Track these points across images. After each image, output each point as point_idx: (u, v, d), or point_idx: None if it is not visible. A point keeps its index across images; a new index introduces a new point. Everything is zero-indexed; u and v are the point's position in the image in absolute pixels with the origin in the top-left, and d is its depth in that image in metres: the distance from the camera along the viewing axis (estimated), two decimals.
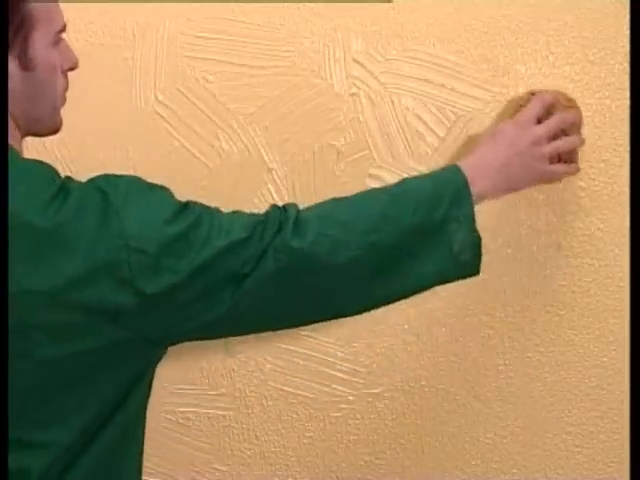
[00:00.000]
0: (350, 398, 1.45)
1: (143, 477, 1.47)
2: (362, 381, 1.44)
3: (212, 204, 1.41)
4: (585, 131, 1.35)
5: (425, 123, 1.38)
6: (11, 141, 1.10)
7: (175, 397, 1.46)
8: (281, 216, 1.13)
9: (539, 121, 1.26)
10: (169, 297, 1.06)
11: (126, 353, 1.09)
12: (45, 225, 1.03)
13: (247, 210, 1.41)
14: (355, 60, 1.37)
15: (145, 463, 1.47)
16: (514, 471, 1.43)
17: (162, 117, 1.41)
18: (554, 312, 1.39)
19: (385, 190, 1.19)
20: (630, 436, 1.10)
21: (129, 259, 1.04)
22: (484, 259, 1.36)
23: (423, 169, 1.37)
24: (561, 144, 1.26)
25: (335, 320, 1.21)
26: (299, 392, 1.45)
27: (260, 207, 1.40)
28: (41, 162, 1.11)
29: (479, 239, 1.17)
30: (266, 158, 1.40)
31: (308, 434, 1.46)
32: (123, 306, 1.05)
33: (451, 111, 1.37)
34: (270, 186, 1.41)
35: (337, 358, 1.43)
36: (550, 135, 1.25)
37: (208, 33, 1.39)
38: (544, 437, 1.41)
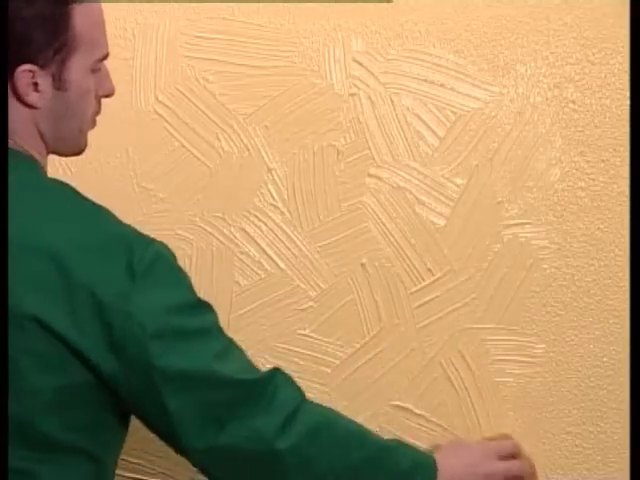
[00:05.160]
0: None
1: (143, 477, 1.48)
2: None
3: (212, 204, 1.42)
4: (585, 131, 1.35)
5: (425, 123, 1.38)
6: (37, 156, 1.11)
7: None
8: (276, 394, 1.10)
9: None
10: (144, 378, 1.04)
11: (105, 398, 1.07)
12: (52, 247, 1.02)
13: (247, 210, 1.41)
14: (355, 60, 1.37)
15: (145, 463, 1.47)
16: None
17: (162, 117, 1.41)
18: (554, 312, 1.39)
19: (375, 441, 1.18)
20: (630, 436, 1.10)
21: (124, 324, 1.02)
22: (483, 263, 1.37)
23: (423, 169, 1.37)
24: None
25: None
26: None
27: (260, 207, 1.41)
28: (66, 184, 1.10)
29: None
30: (266, 158, 1.40)
31: None
32: (104, 366, 1.03)
33: (451, 111, 1.37)
34: (270, 186, 1.41)
35: (337, 358, 1.43)
36: (507, 475, 1.29)
37: (208, 33, 1.39)
38: (544, 437, 1.41)
